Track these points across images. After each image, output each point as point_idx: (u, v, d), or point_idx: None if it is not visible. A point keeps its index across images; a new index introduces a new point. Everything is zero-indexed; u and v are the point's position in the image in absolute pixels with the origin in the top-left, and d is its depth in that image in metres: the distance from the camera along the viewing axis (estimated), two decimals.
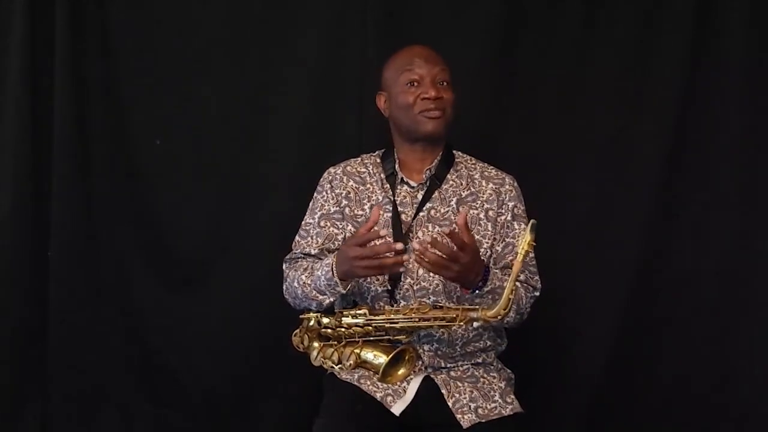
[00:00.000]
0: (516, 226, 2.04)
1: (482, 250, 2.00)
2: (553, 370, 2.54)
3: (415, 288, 1.98)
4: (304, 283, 1.98)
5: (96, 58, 2.56)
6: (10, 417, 2.58)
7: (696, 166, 2.50)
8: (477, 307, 1.83)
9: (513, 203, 2.06)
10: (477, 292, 1.86)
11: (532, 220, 1.72)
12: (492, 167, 2.12)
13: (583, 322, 2.55)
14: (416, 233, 1.99)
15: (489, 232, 2.02)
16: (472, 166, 2.11)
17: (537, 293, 2.04)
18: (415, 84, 2.00)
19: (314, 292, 1.96)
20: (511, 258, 1.99)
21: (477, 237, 2.00)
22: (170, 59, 2.59)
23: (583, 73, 2.53)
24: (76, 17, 2.51)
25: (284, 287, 2.08)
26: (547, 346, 2.49)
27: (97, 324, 2.62)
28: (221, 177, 2.61)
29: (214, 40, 2.58)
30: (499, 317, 1.78)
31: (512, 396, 1.99)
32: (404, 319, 1.88)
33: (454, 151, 2.11)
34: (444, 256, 1.77)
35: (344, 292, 1.92)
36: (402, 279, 1.98)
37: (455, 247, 1.77)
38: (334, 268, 1.90)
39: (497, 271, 1.95)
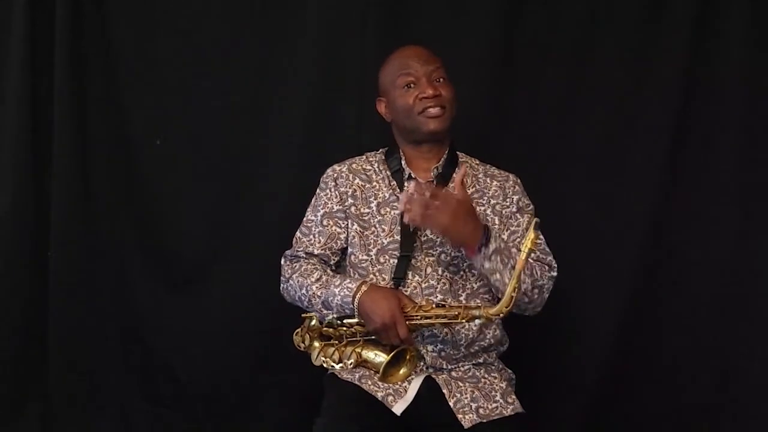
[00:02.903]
0: (519, 217, 2.03)
1: None
2: (553, 371, 2.54)
3: (422, 286, 1.98)
4: (313, 293, 1.97)
5: (96, 59, 2.56)
6: (11, 417, 2.58)
7: (696, 166, 2.50)
8: (479, 305, 1.83)
9: (517, 197, 2.06)
10: (483, 251, 1.84)
11: (535, 219, 1.72)
12: (494, 168, 2.12)
13: (584, 322, 2.55)
14: (424, 230, 1.98)
15: (496, 226, 2.01)
16: (476, 166, 2.11)
17: (554, 272, 2.00)
18: (412, 86, 1.99)
19: (320, 305, 1.96)
20: (515, 250, 1.96)
21: None
22: (170, 59, 2.59)
23: (583, 73, 2.53)
24: (76, 17, 2.51)
25: (283, 286, 2.08)
26: (547, 347, 2.49)
27: (97, 324, 2.62)
28: (221, 177, 2.61)
29: (214, 40, 2.58)
30: (501, 315, 1.77)
31: (513, 396, 1.99)
32: (406, 317, 1.87)
33: (458, 152, 2.10)
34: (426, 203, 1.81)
35: (355, 321, 1.93)
36: (410, 277, 1.97)
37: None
38: (357, 297, 1.89)
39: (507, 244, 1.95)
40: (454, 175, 2.03)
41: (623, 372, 2.54)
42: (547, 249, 2.03)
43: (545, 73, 2.54)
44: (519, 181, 2.10)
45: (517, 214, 2.04)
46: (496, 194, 2.05)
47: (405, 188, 1.95)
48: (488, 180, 2.07)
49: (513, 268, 1.78)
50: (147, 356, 2.67)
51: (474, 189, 2.05)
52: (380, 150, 2.13)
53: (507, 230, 2.03)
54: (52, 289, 2.57)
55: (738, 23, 2.44)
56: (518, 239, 1.99)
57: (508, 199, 2.05)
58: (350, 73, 2.54)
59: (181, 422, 2.65)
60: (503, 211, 2.04)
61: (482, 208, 2.02)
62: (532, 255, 1.96)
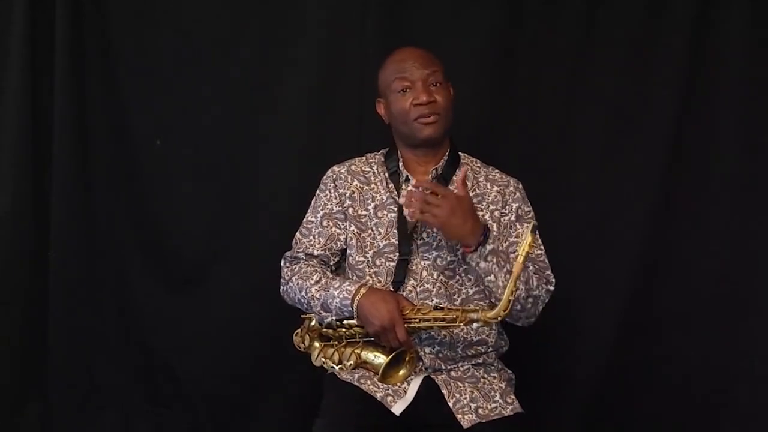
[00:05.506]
0: (518, 227, 2.02)
1: None
2: (553, 371, 2.54)
3: (418, 290, 1.98)
4: (312, 295, 1.96)
5: (96, 58, 2.56)
6: (10, 417, 2.58)
7: (696, 166, 2.50)
8: (477, 308, 1.83)
9: (517, 204, 2.04)
10: (480, 250, 1.85)
11: (532, 222, 1.72)
12: (496, 171, 2.10)
13: (584, 322, 2.54)
14: (421, 234, 1.99)
15: (494, 233, 2.00)
16: (477, 168, 2.10)
17: (551, 287, 2.00)
18: (408, 90, 1.98)
19: (319, 307, 1.95)
20: (513, 258, 1.97)
21: None
22: (170, 59, 2.59)
23: (583, 73, 2.53)
24: (76, 17, 2.51)
25: (283, 288, 2.07)
26: (547, 347, 2.49)
27: (97, 324, 2.63)
28: (221, 178, 2.62)
29: (214, 40, 2.58)
30: (499, 318, 1.78)
31: (513, 396, 1.99)
32: (405, 319, 1.87)
33: (460, 153, 2.10)
34: (426, 199, 1.83)
35: (354, 323, 1.93)
36: (405, 281, 1.97)
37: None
38: (356, 300, 1.89)
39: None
40: (455, 177, 2.02)
41: (623, 372, 2.54)
42: (547, 262, 2.03)
43: (545, 73, 2.54)
44: (520, 186, 2.08)
45: (516, 224, 2.03)
46: (495, 200, 2.04)
47: (404, 189, 1.94)
48: (488, 185, 2.06)
49: (509, 272, 1.80)
50: (147, 356, 2.67)
51: (474, 193, 2.03)
52: (381, 151, 2.13)
53: (506, 241, 2.02)
54: (52, 289, 2.58)
55: (738, 23, 2.43)
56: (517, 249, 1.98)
57: (507, 207, 2.04)
58: (350, 73, 2.54)
59: (181, 422, 2.66)
60: (502, 219, 2.03)
61: (481, 213, 2.01)
62: (531, 267, 1.97)
